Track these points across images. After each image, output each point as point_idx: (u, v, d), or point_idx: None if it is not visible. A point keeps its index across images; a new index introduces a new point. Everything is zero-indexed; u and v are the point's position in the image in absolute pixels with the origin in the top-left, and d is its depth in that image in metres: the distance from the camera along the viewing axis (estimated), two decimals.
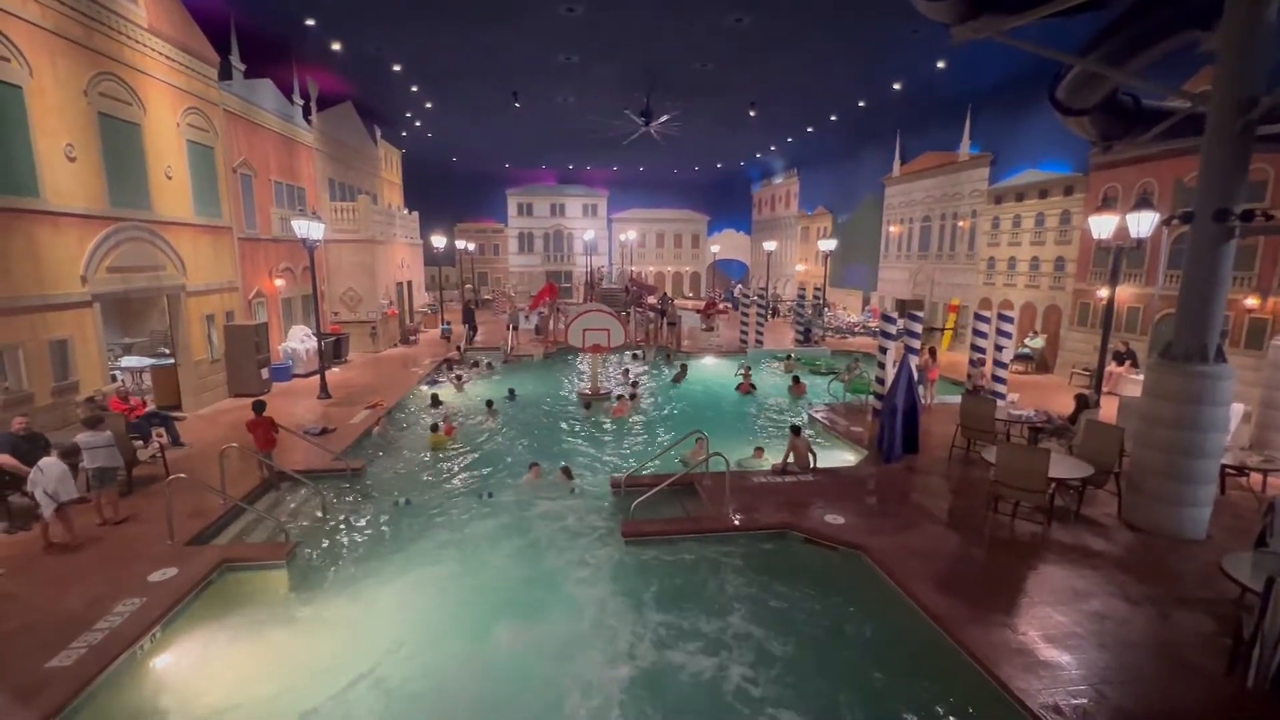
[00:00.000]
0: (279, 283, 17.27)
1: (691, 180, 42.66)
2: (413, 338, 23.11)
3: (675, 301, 29.64)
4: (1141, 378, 9.25)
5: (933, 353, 14.18)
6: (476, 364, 19.02)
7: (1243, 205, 6.96)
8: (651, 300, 28.59)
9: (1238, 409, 9.82)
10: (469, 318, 23.05)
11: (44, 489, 6.78)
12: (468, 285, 36.42)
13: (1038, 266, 18.63)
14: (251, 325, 14.53)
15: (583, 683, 5.38)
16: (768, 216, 41.44)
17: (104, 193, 10.77)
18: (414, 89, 21.18)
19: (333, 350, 17.63)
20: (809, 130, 27.33)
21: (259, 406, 9.50)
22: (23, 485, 7.07)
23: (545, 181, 42.80)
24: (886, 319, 13.15)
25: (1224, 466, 8.20)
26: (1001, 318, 13.28)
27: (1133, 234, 9.37)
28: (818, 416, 12.82)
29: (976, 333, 13.73)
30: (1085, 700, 4.71)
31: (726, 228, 44.96)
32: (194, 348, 13.13)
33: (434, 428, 11.79)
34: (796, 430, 10.06)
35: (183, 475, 7.62)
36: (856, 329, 25.12)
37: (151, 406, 11.39)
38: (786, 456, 9.75)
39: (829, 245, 26.29)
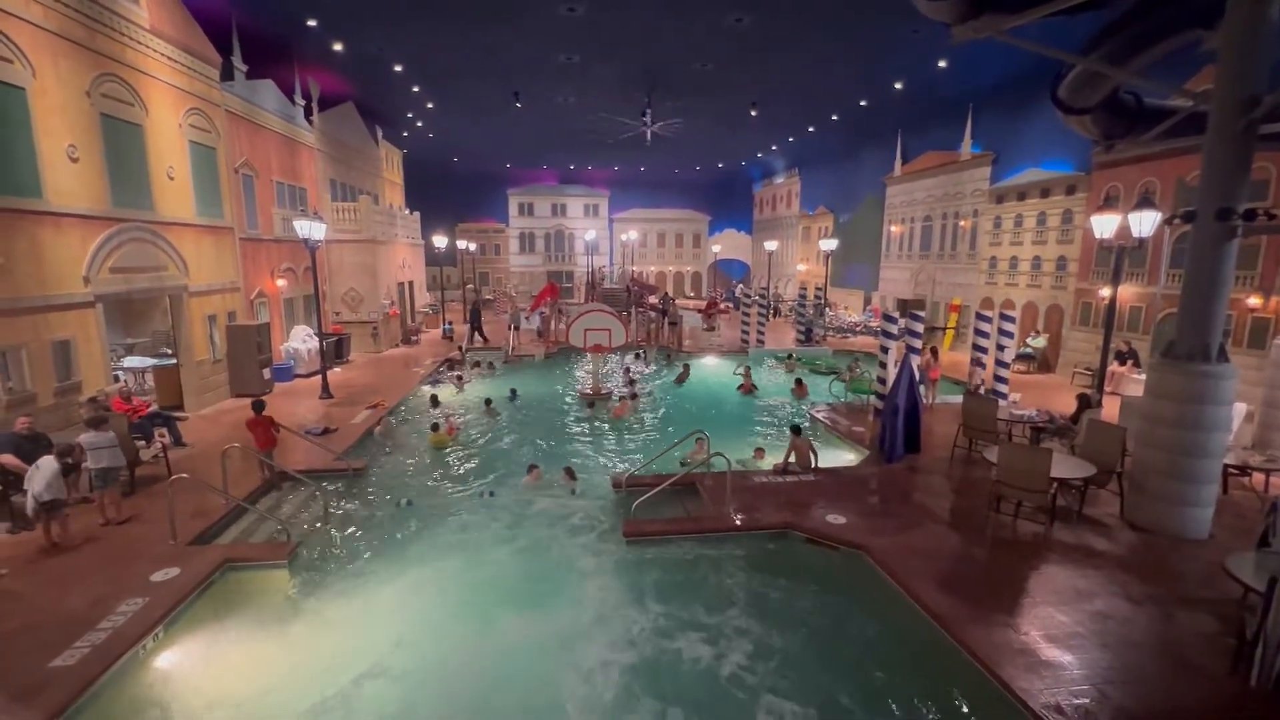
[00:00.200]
0: (281, 283, 17.29)
1: (692, 180, 42.66)
2: (414, 338, 23.13)
3: (676, 301, 29.63)
4: (1143, 377, 9.23)
5: (934, 352, 14.16)
6: (478, 364, 19.03)
7: (1245, 204, 6.95)
8: (653, 300, 28.58)
9: (1240, 408, 9.81)
10: (475, 319, 23.02)
11: (31, 489, 6.80)
12: (469, 285, 36.42)
13: (1039, 266, 18.60)
14: (253, 325, 14.56)
15: (584, 675, 5.40)
16: (769, 216, 41.43)
17: (106, 193, 10.79)
18: (415, 89, 21.20)
19: (334, 350, 17.65)
20: (810, 130, 27.32)
21: (258, 406, 9.52)
22: (24, 485, 7.07)
23: (546, 181, 42.82)
24: (888, 319, 13.15)
25: (1226, 466, 8.19)
26: (1003, 317, 13.27)
27: (1135, 233, 9.36)
28: (819, 416, 12.81)
29: (978, 332, 13.73)
30: (1087, 700, 4.70)
31: (727, 227, 44.95)
32: (196, 348, 13.16)
33: (434, 427, 11.80)
34: (797, 430, 10.06)
35: (185, 475, 7.63)
36: (858, 329, 25.11)
37: (154, 407, 11.41)
38: (788, 456, 9.75)
39: (830, 245, 26.28)
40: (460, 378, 16.83)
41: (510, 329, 21.86)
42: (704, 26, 15.44)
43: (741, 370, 17.11)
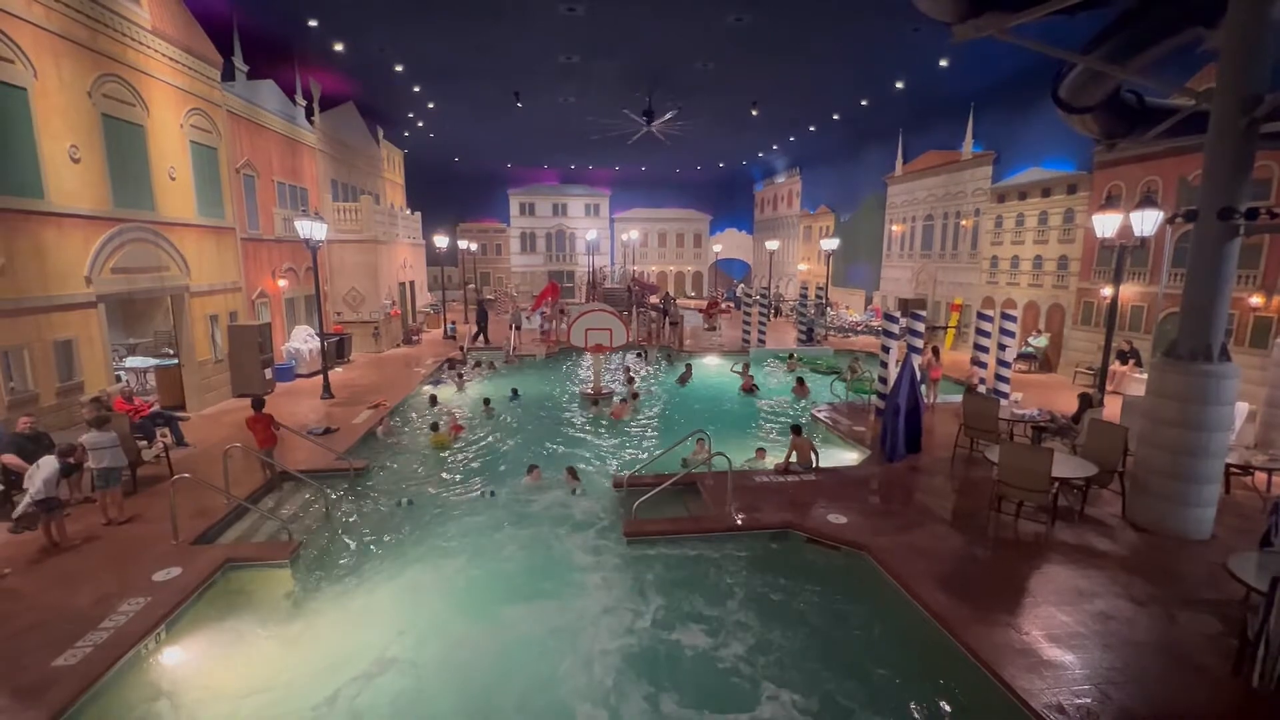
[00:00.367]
0: (282, 283, 17.31)
1: (693, 179, 42.66)
2: (415, 337, 23.15)
3: (677, 301, 29.63)
4: (1145, 377, 9.22)
5: (936, 352, 14.15)
6: (478, 364, 19.04)
7: (1247, 203, 6.93)
8: (654, 300, 28.59)
9: (1242, 408, 9.79)
10: (482, 319, 23.16)
11: (31, 488, 6.82)
12: (470, 285, 36.45)
13: (1041, 265, 18.57)
14: (255, 325, 14.57)
15: (585, 668, 5.42)
16: (770, 216, 41.40)
17: (108, 194, 10.81)
18: (416, 89, 21.21)
19: (335, 350, 17.67)
20: (811, 129, 27.30)
21: (258, 403, 9.54)
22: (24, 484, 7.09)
23: (547, 181, 42.84)
24: (889, 318, 13.14)
25: (1229, 466, 8.17)
26: (1005, 317, 13.25)
27: (1136, 232, 9.35)
28: (820, 416, 12.81)
29: (980, 332, 13.71)
30: (1089, 700, 4.70)
31: (729, 227, 44.95)
32: (198, 348, 13.18)
33: (434, 427, 11.80)
34: (798, 429, 10.05)
35: (187, 475, 7.64)
36: (859, 328, 25.09)
37: (156, 407, 11.43)
38: (789, 456, 9.74)
39: (831, 244, 26.26)
40: (461, 376, 16.85)
41: (511, 329, 21.88)
42: (704, 26, 15.42)
43: (739, 368, 17.09)
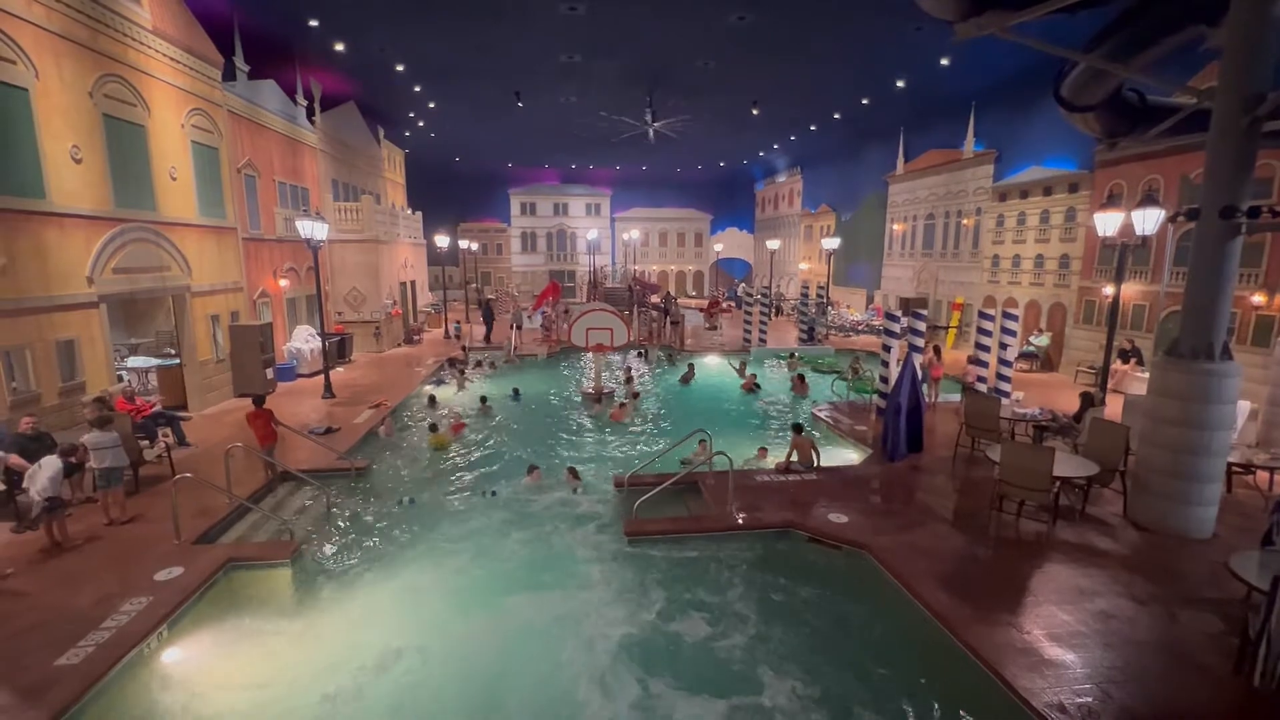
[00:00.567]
0: (283, 283, 17.33)
1: (694, 179, 42.65)
2: (416, 337, 23.18)
3: (678, 300, 29.63)
4: (1147, 375, 9.20)
5: (937, 351, 14.14)
6: (479, 363, 19.06)
7: (1249, 202, 6.92)
8: (655, 299, 28.59)
9: (1244, 407, 9.77)
10: (488, 318, 23.22)
11: (33, 488, 6.83)
12: (471, 285, 36.47)
13: (1042, 264, 18.55)
14: (256, 325, 14.59)
15: (587, 661, 5.45)
16: (771, 215, 41.38)
17: (109, 194, 10.83)
18: (417, 89, 21.22)
19: (337, 350, 17.68)
20: (812, 128, 27.28)
21: (259, 399, 9.55)
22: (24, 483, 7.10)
23: (548, 181, 42.85)
24: (890, 317, 13.13)
25: (1230, 465, 8.16)
26: (1006, 316, 13.23)
27: (1138, 231, 9.33)
28: (821, 416, 12.80)
29: (981, 331, 13.69)
30: (1090, 699, 4.70)
31: (729, 226, 44.94)
32: (199, 348, 13.20)
33: (433, 428, 11.77)
34: (799, 429, 10.05)
35: (188, 475, 7.65)
36: (860, 327, 25.08)
37: (158, 406, 11.45)
38: (789, 455, 9.74)
39: (832, 243, 26.24)
40: (463, 375, 16.86)
41: (512, 328, 21.90)
42: (705, 25, 15.42)
43: (736, 364, 17.09)
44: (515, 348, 20.74)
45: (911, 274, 25.58)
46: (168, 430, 10.36)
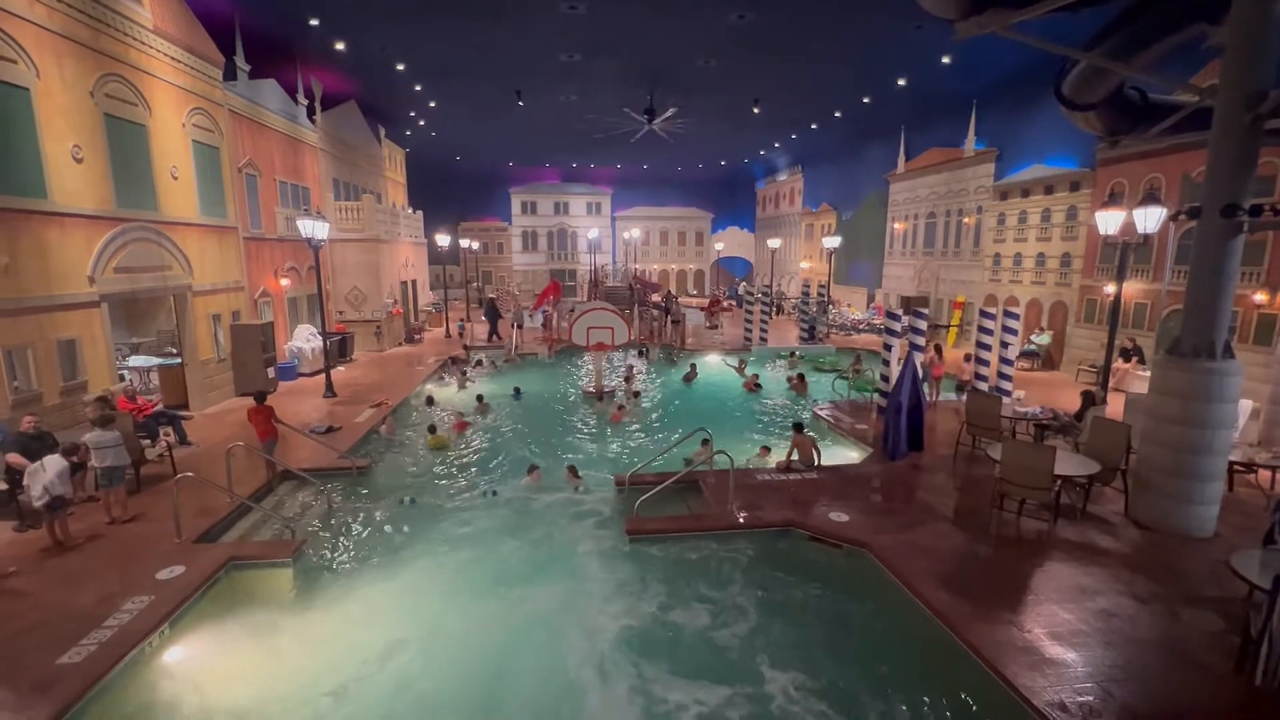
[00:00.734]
0: (284, 282, 17.34)
1: (695, 178, 42.63)
2: (417, 336, 23.20)
3: (679, 299, 29.63)
4: (1148, 374, 9.19)
5: (938, 350, 14.13)
6: (480, 362, 19.07)
7: (1251, 200, 6.90)
8: (656, 298, 28.58)
9: (1246, 405, 9.76)
10: (493, 317, 23.26)
11: (44, 484, 6.82)
12: (472, 284, 36.48)
13: (1044, 263, 18.53)
14: (257, 325, 14.60)
15: (589, 674, 5.41)
16: (772, 214, 41.36)
17: (111, 193, 10.84)
18: (418, 88, 21.22)
19: (338, 349, 17.69)
20: (813, 127, 27.25)
21: (260, 396, 9.56)
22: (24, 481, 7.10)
23: (549, 180, 42.84)
24: (891, 316, 13.11)
25: (1232, 463, 8.16)
26: (1007, 314, 13.22)
27: (1140, 229, 9.32)
28: (822, 414, 12.80)
29: (982, 330, 13.68)
30: (1091, 698, 4.69)
31: (730, 225, 44.92)
32: (200, 347, 13.21)
33: (432, 429, 11.75)
34: (799, 427, 10.05)
35: (190, 474, 7.67)
36: (861, 326, 25.06)
37: (159, 406, 11.47)
38: (790, 454, 9.73)
39: (833, 242, 26.22)
40: (464, 374, 16.87)
41: (513, 327, 21.91)
42: (706, 24, 15.40)
43: (735, 363, 17.06)
44: (516, 347, 20.75)
45: (912, 273, 25.56)
46: (169, 429, 10.38)
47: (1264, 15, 6.56)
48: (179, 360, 13.32)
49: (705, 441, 9.71)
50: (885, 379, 12.38)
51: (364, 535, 8.03)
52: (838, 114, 24.74)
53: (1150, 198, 9.27)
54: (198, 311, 13.20)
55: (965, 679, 5.19)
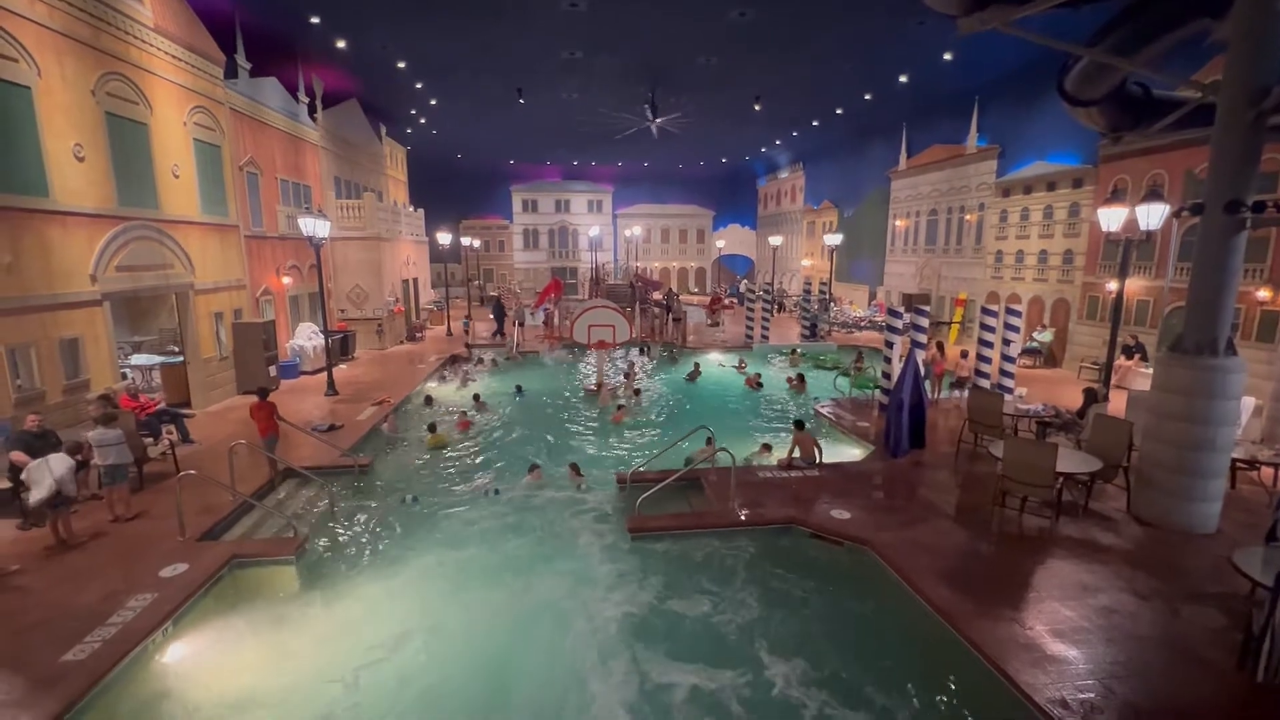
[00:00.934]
0: (286, 280, 17.36)
1: (697, 175, 42.55)
2: (419, 334, 23.22)
3: (681, 297, 29.62)
4: (1150, 371, 9.17)
5: (940, 347, 14.11)
6: (481, 360, 19.08)
7: (1254, 196, 6.89)
8: (657, 296, 28.57)
9: (1249, 402, 9.74)
10: (500, 314, 23.25)
11: (55, 480, 6.84)
12: (474, 282, 36.49)
13: (1046, 260, 18.49)
14: (259, 323, 14.62)
15: (591, 672, 5.43)
16: (773, 211, 41.29)
17: (112, 192, 10.85)
18: (418, 86, 21.21)
19: (339, 347, 17.71)
20: (814, 124, 27.21)
21: (263, 392, 9.58)
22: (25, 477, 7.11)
23: (550, 177, 42.79)
24: (893, 313, 13.09)
25: (1234, 460, 8.15)
26: (1009, 311, 13.20)
27: (1142, 226, 9.28)
28: (824, 412, 12.79)
29: (984, 327, 13.66)
30: (1093, 695, 4.70)
31: (732, 222, 44.84)
32: (203, 345, 13.23)
33: (432, 428, 11.75)
34: (800, 425, 10.05)
35: (193, 472, 7.70)
36: (863, 324, 25.03)
37: (161, 404, 11.49)
38: (791, 451, 9.73)
39: (835, 239, 26.18)
40: (466, 372, 16.89)
41: (515, 325, 21.92)
42: (707, 21, 15.36)
43: (736, 363, 17.03)
44: (518, 345, 20.76)
45: (914, 270, 25.51)
46: (171, 427, 10.40)
47: (1268, 10, 6.53)
48: (181, 359, 13.34)
49: (709, 440, 9.71)
50: (887, 376, 12.37)
51: (366, 533, 8.05)
52: (839, 111, 24.69)
53: (1153, 194, 9.23)
54: (199, 310, 13.22)
55: (967, 676, 5.19)
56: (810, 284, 24.97)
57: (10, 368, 8.86)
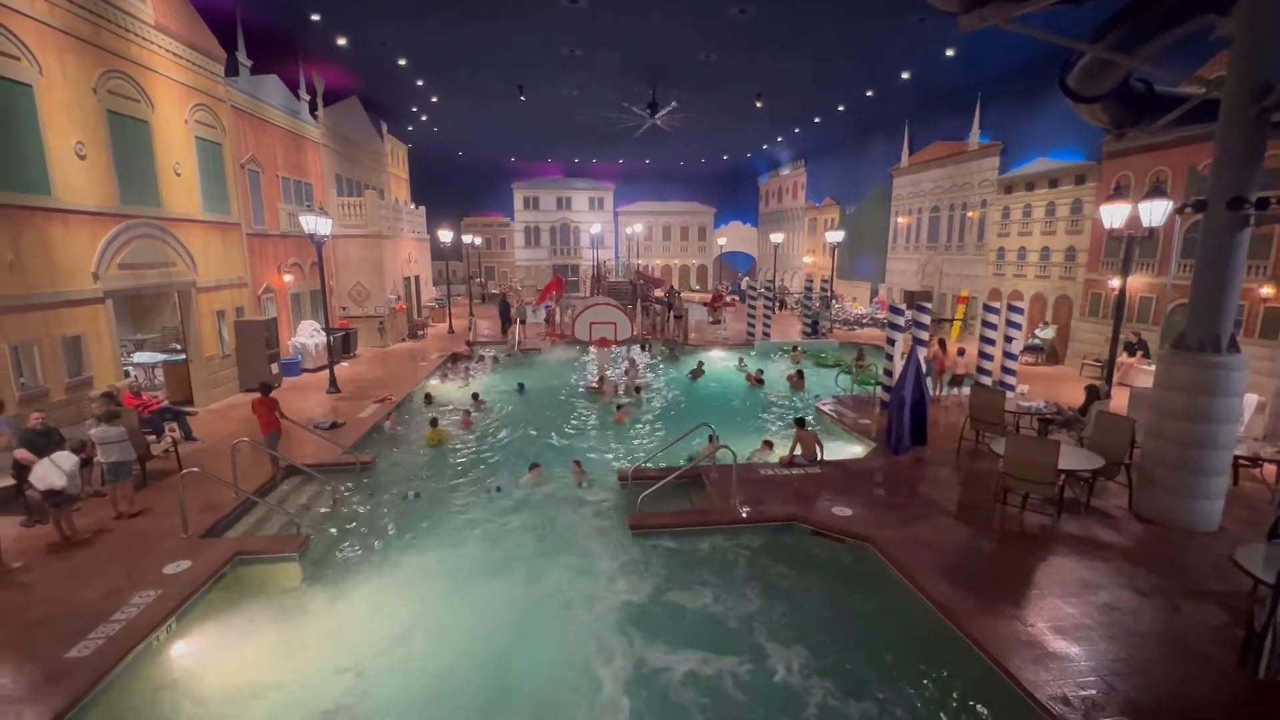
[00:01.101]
0: (288, 278, 17.37)
1: (698, 172, 42.49)
2: (420, 332, 23.24)
3: (682, 294, 29.61)
4: (1153, 368, 9.16)
5: (942, 344, 14.09)
6: (482, 358, 19.10)
7: (1258, 193, 6.86)
8: (658, 293, 28.55)
9: (1251, 400, 9.73)
10: (505, 312, 23.24)
11: (66, 475, 6.87)
12: (475, 279, 36.49)
13: (1048, 256, 18.45)
14: (261, 321, 14.65)
15: (595, 668, 5.45)
16: (775, 208, 41.23)
17: (114, 190, 10.86)
18: (419, 83, 21.20)
19: (341, 345, 17.74)
20: (816, 121, 27.16)
21: (265, 388, 9.60)
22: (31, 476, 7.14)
23: (551, 175, 42.77)
24: (894, 310, 13.07)
25: (1237, 458, 8.13)
26: (1011, 309, 13.18)
27: (1145, 223, 9.26)
28: (825, 409, 12.79)
29: (986, 324, 13.64)
30: (1094, 692, 4.70)
31: (733, 220, 44.80)
32: (205, 343, 13.26)
33: (433, 423, 11.77)
34: (801, 423, 10.05)
35: (195, 469, 7.71)
36: (864, 321, 25.01)
37: (164, 402, 11.51)
38: (793, 448, 9.73)
39: (836, 237, 26.14)
40: (468, 369, 16.91)
41: (516, 322, 21.92)
42: (708, 17, 15.33)
43: (736, 362, 17.01)
44: (519, 342, 20.78)
45: (916, 267, 25.47)
46: (174, 425, 10.42)
47: (1272, 6, 6.50)
48: (183, 356, 13.37)
49: (712, 438, 9.71)
50: (888, 374, 12.36)
51: (369, 529, 8.07)
52: (841, 108, 24.64)
53: (1156, 191, 9.20)
54: (202, 308, 13.24)
55: (968, 673, 5.20)
56: (812, 281, 24.94)
57: (14, 365, 8.88)
